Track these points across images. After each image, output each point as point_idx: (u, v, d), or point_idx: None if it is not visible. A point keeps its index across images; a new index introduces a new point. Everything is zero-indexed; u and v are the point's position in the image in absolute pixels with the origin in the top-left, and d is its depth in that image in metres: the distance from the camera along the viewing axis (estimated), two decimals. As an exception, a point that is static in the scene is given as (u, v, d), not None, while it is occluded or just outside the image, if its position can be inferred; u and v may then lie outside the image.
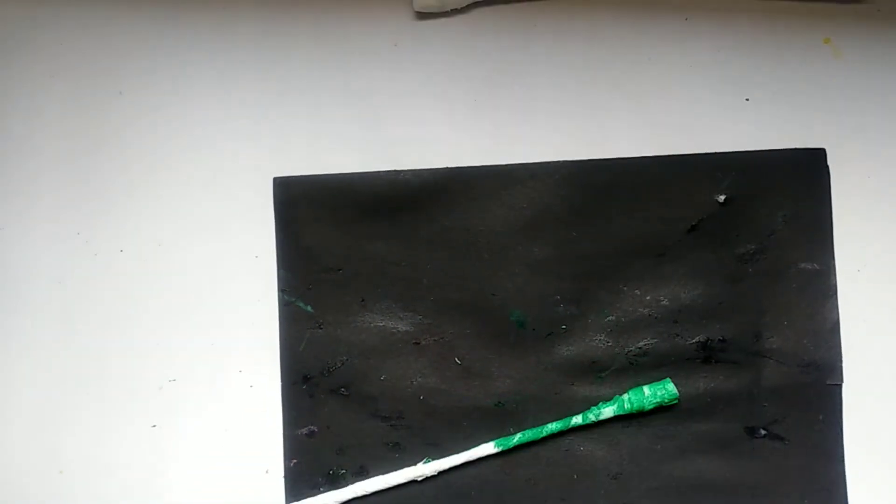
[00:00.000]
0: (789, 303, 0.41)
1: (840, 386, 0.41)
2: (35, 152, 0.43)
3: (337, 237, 0.42)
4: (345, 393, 0.41)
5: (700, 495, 0.41)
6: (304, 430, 0.41)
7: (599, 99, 0.42)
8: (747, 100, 0.42)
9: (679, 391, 0.41)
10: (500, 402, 0.41)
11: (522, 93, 0.42)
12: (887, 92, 0.42)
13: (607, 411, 0.40)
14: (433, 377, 0.41)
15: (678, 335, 0.41)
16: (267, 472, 0.41)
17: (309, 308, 0.41)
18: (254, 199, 0.42)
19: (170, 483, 0.42)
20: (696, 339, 0.41)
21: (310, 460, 0.41)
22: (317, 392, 0.41)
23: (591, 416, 0.40)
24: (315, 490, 0.41)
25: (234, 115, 0.43)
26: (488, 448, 0.40)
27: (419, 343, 0.41)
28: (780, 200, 0.41)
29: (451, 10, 0.42)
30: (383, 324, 0.41)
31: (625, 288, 0.41)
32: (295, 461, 0.41)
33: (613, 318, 0.41)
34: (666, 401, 0.40)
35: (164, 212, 0.43)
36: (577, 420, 0.40)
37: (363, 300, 0.41)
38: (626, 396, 0.40)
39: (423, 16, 0.43)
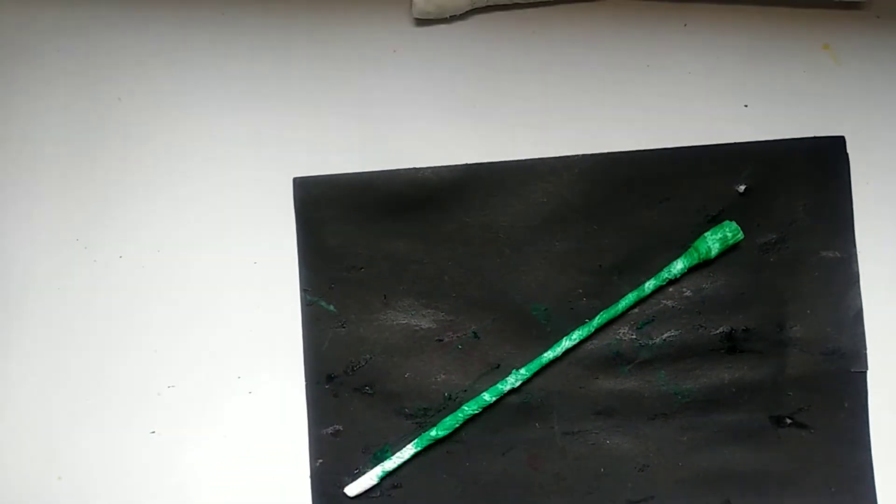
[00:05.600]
0: (812, 291, 0.41)
1: (864, 373, 0.41)
2: (34, 158, 0.43)
3: (357, 236, 0.41)
4: (369, 391, 0.41)
5: (727, 485, 0.41)
6: (330, 430, 0.41)
7: (597, 105, 0.42)
8: (746, 106, 0.42)
9: (703, 382, 0.41)
10: (524, 398, 0.41)
11: (521, 99, 0.42)
12: (887, 97, 0.42)
13: (679, 267, 0.40)
14: (457, 374, 0.41)
15: (702, 326, 0.41)
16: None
17: (331, 307, 0.41)
18: (253, 205, 0.42)
19: (169, 489, 0.42)
20: (720, 329, 0.41)
21: (335, 459, 0.41)
22: (341, 391, 0.41)
23: (665, 275, 0.40)
24: (341, 489, 0.41)
25: (232, 121, 0.43)
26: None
27: (442, 340, 0.41)
28: (800, 189, 0.41)
29: (450, 17, 0.42)
30: (406, 321, 0.41)
31: (647, 280, 0.41)
32: (321, 461, 0.41)
33: (637, 310, 0.41)
34: (730, 240, 0.40)
35: (162, 218, 0.42)
36: (650, 285, 0.40)
37: (385, 298, 0.41)
38: (693, 247, 0.40)
39: (421, 22, 0.43)
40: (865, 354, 0.41)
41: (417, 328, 0.41)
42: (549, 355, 0.40)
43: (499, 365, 0.41)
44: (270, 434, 0.42)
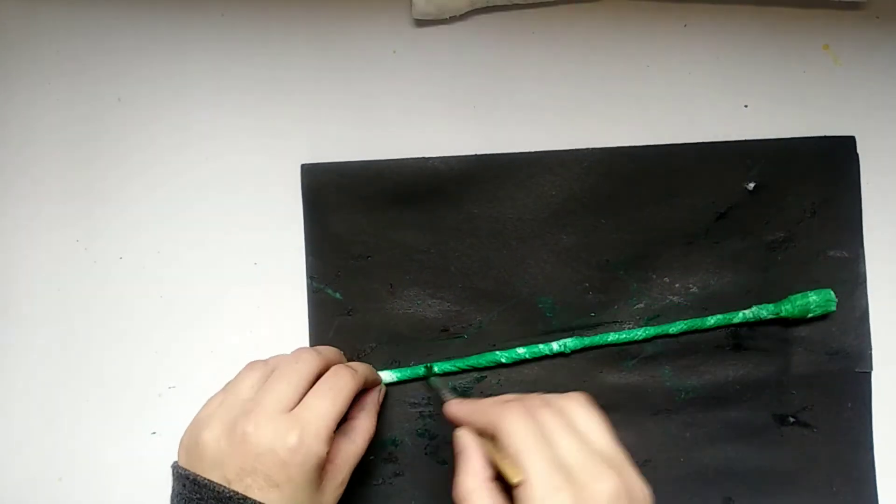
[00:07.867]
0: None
1: (869, 373, 0.41)
2: (34, 159, 0.43)
3: (365, 224, 0.41)
4: (373, 380, 0.41)
5: (728, 482, 0.41)
6: (333, 417, 0.41)
7: (595, 106, 0.42)
8: (746, 106, 0.42)
9: (707, 379, 0.41)
10: (528, 390, 0.41)
11: (521, 99, 0.42)
12: (887, 97, 0.42)
13: (764, 312, 0.40)
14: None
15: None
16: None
17: (338, 295, 0.41)
18: (251, 205, 0.42)
19: (169, 490, 0.41)
20: (726, 326, 0.41)
21: (338, 447, 0.41)
22: (345, 379, 0.41)
23: (749, 315, 0.40)
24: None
25: (231, 121, 0.43)
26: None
27: (447, 330, 0.41)
28: (809, 188, 0.41)
29: (450, 17, 0.42)
30: (412, 311, 0.41)
31: (654, 275, 0.41)
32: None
33: (642, 305, 0.41)
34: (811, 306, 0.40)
35: (162, 218, 0.42)
36: (741, 316, 0.40)
37: (391, 287, 0.41)
38: (786, 305, 0.40)
39: (421, 23, 0.43)
40: (870, 355, 0.41)
41: (423, 318, 0.41)
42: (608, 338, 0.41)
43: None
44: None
